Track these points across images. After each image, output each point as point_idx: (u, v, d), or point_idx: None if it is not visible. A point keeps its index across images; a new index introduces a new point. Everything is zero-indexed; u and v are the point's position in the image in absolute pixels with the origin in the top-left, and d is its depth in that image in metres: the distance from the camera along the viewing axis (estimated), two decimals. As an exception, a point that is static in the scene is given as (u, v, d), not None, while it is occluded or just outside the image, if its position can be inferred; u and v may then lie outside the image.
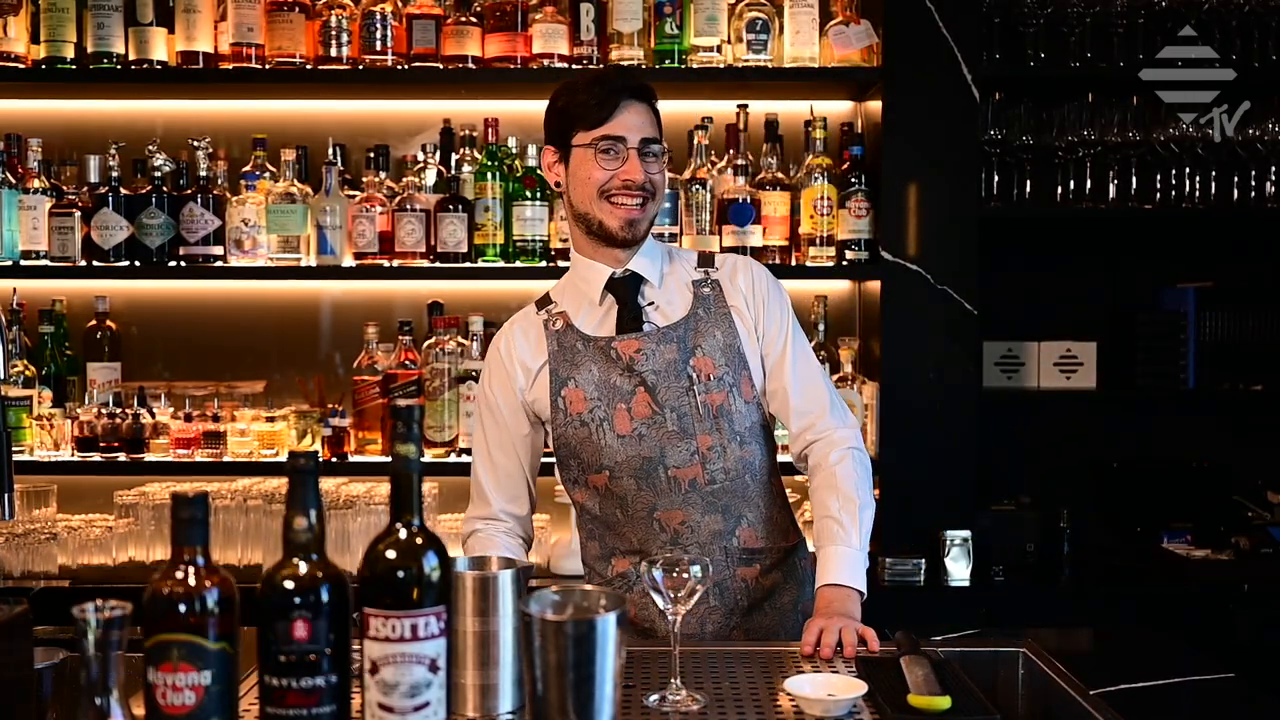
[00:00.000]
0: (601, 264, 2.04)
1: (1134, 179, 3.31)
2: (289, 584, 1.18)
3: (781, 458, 2.13)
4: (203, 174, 3.11)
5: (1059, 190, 3.26)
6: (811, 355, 2.11)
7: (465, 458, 2.73)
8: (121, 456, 3.08)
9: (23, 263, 3.11)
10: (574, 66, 3.05)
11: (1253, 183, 3.27)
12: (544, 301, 2.09)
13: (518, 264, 3.08)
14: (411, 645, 1.20)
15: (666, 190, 2.06)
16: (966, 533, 3.00)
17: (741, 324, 2.04)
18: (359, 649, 1.23)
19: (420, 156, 3.22)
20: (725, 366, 1.99)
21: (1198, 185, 3.26)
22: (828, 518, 1.97)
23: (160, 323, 3.38)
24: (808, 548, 2.14)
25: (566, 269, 2.14)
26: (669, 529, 1.97)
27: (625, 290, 2.03)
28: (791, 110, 3.25)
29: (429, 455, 3.02)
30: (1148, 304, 3.42)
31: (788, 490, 3.05)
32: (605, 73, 2.22)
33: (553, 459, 2.09)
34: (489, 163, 3.09)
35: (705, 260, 2.09)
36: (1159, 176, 3.27)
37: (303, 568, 1.19)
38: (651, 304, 2.04)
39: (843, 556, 1.92)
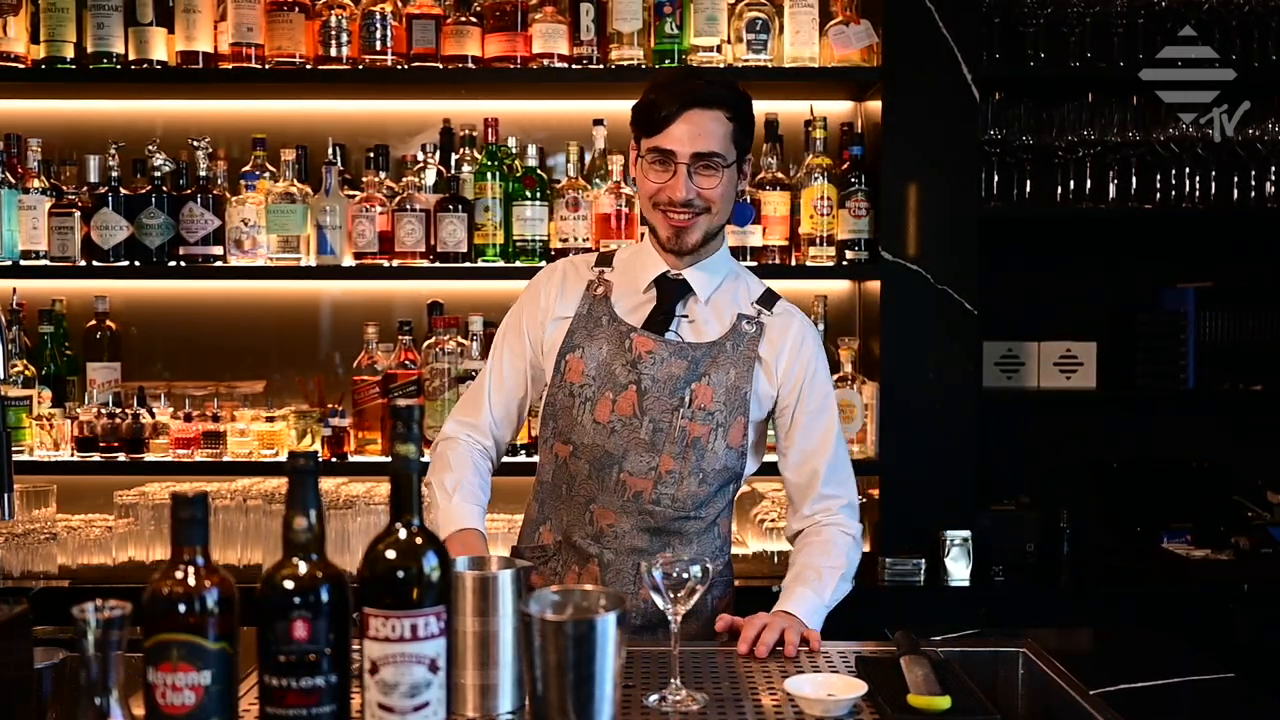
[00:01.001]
0: (661, 259, 2.03)
1: (1134, 179, 3.31)
2: (289, 584, 1.18)
3: (776, 460, 2.10)
4: (202, 174, 3.11)
5: (1059, 190, 3.26)
6: (840, 431, 2.08)
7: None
8: (121, 456, 3.08)
9: (23, 263, 3.11)
10: (574, 66, 3.05)
11: (1253, 183, 3.27)
12: (604, 260, 2.10)
13: (518, 264, 3.08)
14: (411, 645, 1.20)
15: (730, 200, 2.01)
16: (966, 533, 2.99)
17: (764, 377, 2.01)
18: (359, 649, 1.23)
19: (420, 156, 3.22)
20: (722, 405, 1.97)
21: (1198, 185, 3.26)
22: (810, 567, 1.95)
23: (160, 323, 3.38)
24: (728, 589, 2.11)
25: None
26: (596, 525, 1.98)
27: (669, 292, 2.02)
28: (791, 110, 3.25)
29: (429, 455, 3.02)
30: (1148, 304, 3.42)
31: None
32: (681, 72, 2.17)
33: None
34: (489, 163, 3.09)
35: (766, 300, 2.06)
36: (1159, 176, 3.27)
37: (302, 568, 1.19)
38: (686, 315, 2.02)
39: (810, 600, 1.90)
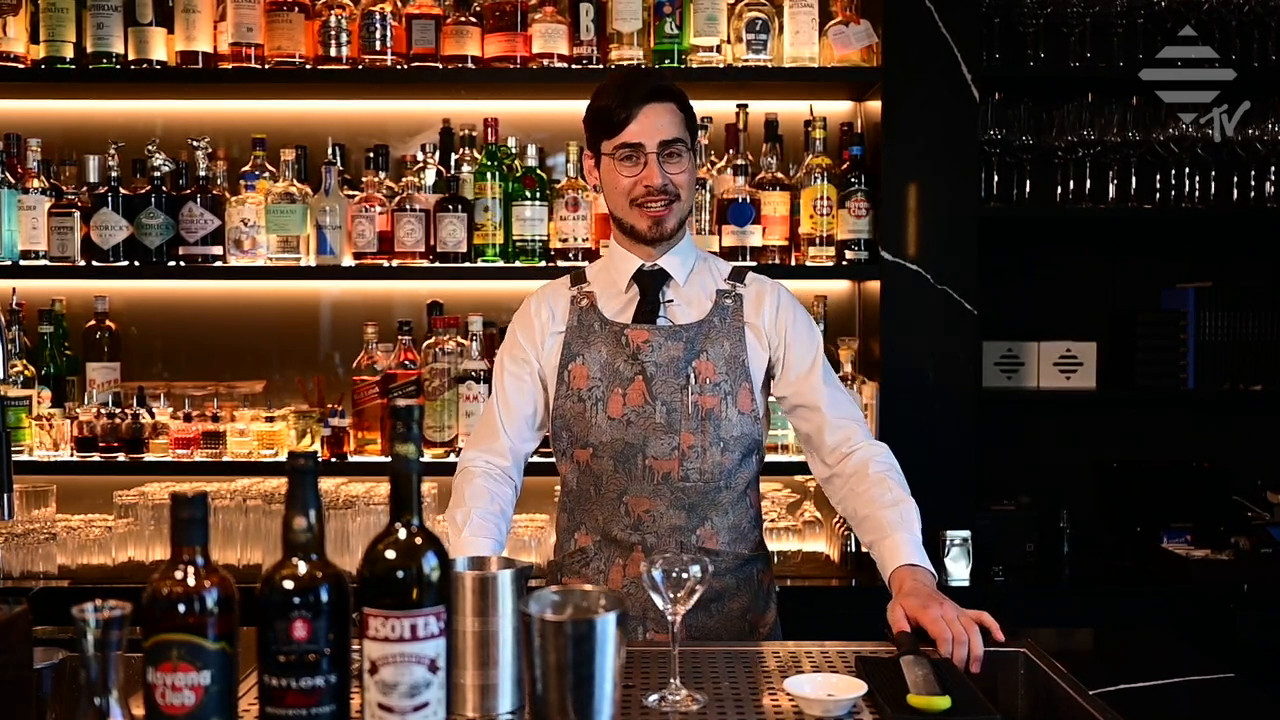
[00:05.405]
0: (634, 256, 2.13)
1: (1134, 179, 3.31)
2: (289, 584, 1.18)
3: (776, 459, 2.12)
4: (202, 174, 3.11)
5: (1059, 190, 3.26)
6: (833, 372, 2.16)
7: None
8: (121, 456, 3.08)
9: (22, 263, 3.11)
10: (573, 66, 3.05)
11: (1253, 183, 3.27)
12: (578, 278, 2.19)
13: (517, 264, 3.08)
14: (411, 645, 1.20)
15: (694, 187, 2.16)
16: (966, 533, 2.99)
17: (755, 340, 2.10)
18: (359, 649, 1.23)
19: (420, 156, 3.22)
20: (725, 375, 2.06)
21: (1198, 185, 3.26)
22: (884, 509, 1.97)
23: (160, 323, 3.38)
24: (770, 563, 2.19)
25: (564, 270, 2.17)
26: (633, 514, 2.05)
27: (650, 283, 2.12)
28: (791, 110, 3.25)
29: (428, 455, 3.02)
30: (1148, 304, 3.42)
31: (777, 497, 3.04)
32: (627, 75, 2.21)
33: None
34: (488, 163, 3.09)
35: (736, 275, 2.17)
36: (1159, 176, 3.27)
37: (302, 568, 1.19)
38: (671, 300, 2.11)
39: (909, 543, 1.92)
